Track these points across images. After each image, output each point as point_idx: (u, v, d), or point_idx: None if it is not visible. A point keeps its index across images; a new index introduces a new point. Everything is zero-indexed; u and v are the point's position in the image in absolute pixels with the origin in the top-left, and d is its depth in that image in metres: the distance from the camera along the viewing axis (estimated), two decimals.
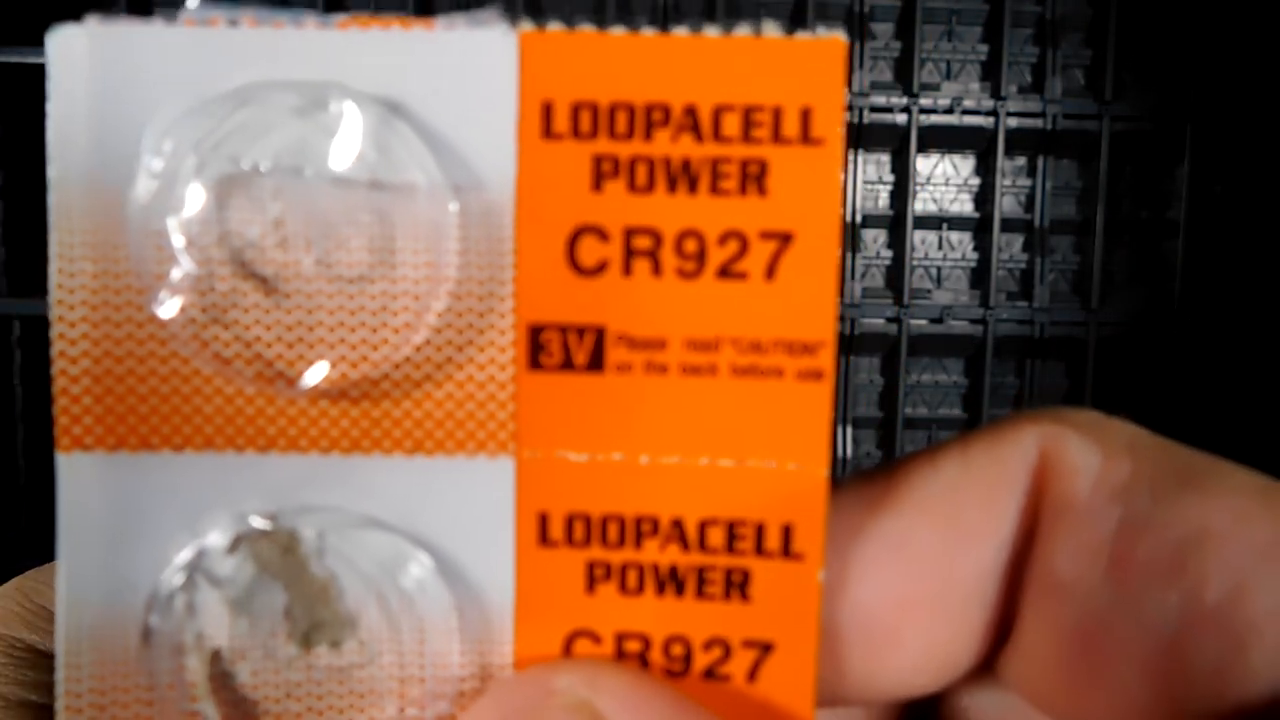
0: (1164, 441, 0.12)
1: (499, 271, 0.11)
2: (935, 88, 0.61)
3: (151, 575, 0.11)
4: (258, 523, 0.11)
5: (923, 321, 0.58)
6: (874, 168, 0.62)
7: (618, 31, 0.10)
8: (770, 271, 0.11)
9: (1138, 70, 0.60)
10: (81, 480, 0.11)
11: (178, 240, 0.10)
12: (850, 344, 0.60)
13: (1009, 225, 0.62)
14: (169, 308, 0.11)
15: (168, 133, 0.10)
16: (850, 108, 0.57)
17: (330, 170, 0.11)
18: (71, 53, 0.10)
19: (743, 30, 0.10)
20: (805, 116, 0.10)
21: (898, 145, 0.60)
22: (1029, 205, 0.62)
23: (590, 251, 0.11)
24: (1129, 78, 0.60)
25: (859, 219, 0.60)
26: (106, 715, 0.11)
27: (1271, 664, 0.10)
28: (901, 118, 0.57)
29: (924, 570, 0.12)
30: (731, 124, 0.10)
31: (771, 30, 0.10)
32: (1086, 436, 0.12)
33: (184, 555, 0.11)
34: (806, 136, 0.10)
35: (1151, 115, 0.57)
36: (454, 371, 0.11)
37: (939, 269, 0.63)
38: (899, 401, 0.60)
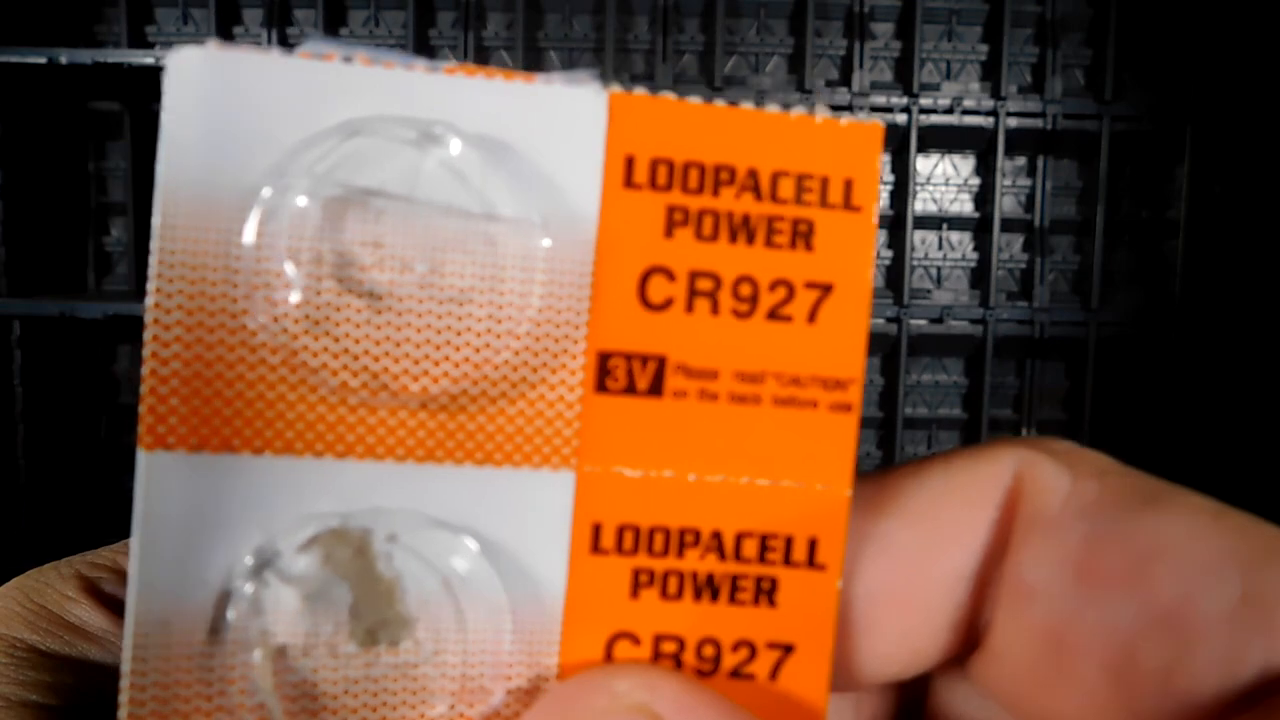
0: (1130, 469, 0.13)
1: (577, 302, 0.12)
2: (935, 88, 0.62)
3: (224, 571, 0.11)
4: (332, 523, 0.11)
5: (923, 321, 0.58)
6: None
7: (695, 100, 0.12)
8: (812, 316, 0.12)
9: (1138, 70, 0.60)
10: (163, 477, 0.11)
11: (281, 253, 0.11)
12: None
13: (1009, 225, 0.62)
14: (263, 317, 0.11)
15: (280, 154, 0.11)
16: (850, 107, 0.57)
17: (433, 198, 0.11)
18: (189, 72, 0.11)
19: (799, 109, 0.12)
20: (848, 187, 0.12)
21: (898, 145, 0.60)
22: (1029, 205, 0.62)
23: (658, 290, 0.12)
24: (1129, 78, 0.60)
25: None
26: (170, 708, 0.11)
27: (1214, 665, 0.11)
28: (901, 118, 0.57)
29: (903, 568, 0.13)
30: (786, 188, 0.12)
31: (823, 111, 0.12)
32: (1060, 461, 0.13)
33: (257, 553, 0.11)
34: (848, 203, 0.12)
35: (1151, 115, 0.58)
36: (527, 390, 0.12)
37: (939, 269, 0.63)
38: (899, 401, 0.60)
